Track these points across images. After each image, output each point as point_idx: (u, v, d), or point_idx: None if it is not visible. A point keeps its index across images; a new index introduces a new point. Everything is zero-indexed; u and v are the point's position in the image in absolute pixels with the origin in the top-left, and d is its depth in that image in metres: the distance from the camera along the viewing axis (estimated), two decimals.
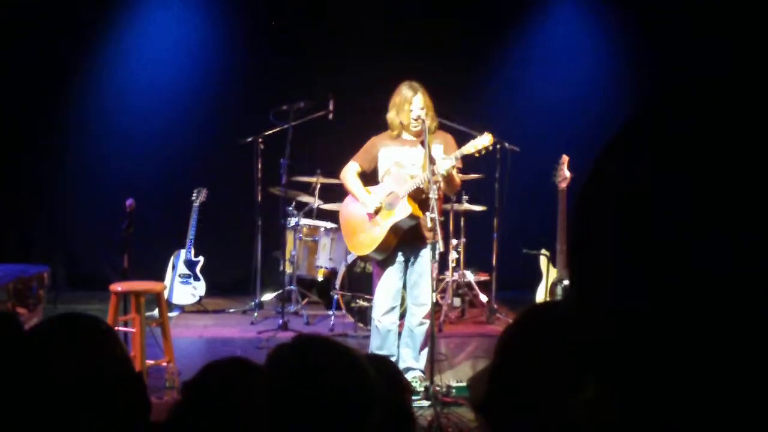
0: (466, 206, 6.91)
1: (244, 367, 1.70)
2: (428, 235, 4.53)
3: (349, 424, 1.43)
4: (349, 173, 4.81)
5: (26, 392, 1.43)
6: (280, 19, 7.66)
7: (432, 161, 4.42)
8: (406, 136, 4.68)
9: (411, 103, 4.56)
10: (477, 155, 4.46)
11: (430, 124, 4.52)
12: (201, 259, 7.04)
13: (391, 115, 4.66)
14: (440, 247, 4.30)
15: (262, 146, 6.61)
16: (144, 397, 1.59)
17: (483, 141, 4.42)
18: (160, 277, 6.74)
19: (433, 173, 4.36)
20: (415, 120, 4.56)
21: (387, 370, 1.88)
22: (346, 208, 4.91)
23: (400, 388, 1.90)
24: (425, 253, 4.61)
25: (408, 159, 4.65)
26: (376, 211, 4.65)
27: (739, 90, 0.52)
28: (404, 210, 4.52)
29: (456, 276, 6.98)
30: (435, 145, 4.60)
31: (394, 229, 4.56)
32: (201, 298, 6.98)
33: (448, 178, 4.46)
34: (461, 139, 4.66)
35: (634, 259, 0.51)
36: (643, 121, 0.56)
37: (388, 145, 4.71)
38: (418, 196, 4.55)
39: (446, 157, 4.43)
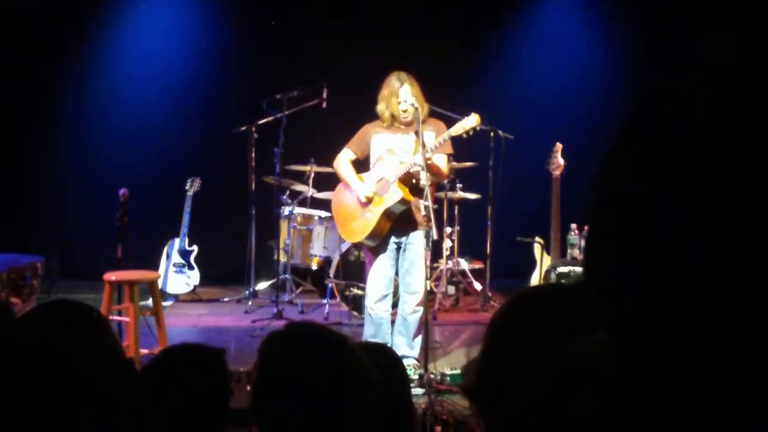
0: (460, 194, 6.91)
1: (199, 350, 1.71)
2: (421, 220, 4.54)
3: (344, 411, 1.43)
4: (342, 161, 4.82)
5: (15, 379, 1.42)
6: (273, 7, 7.62)
7: (424, 147, 4.43)
8: (398, 124, 4.69)
9: (398, 96, 4.57)
10: (465, 136, 4.48)
11: (420, 113, 4.53)
12: (195, 248, 7.03)
13: (381, 107, 4.69)
14: (434, 235, 4.31)
15: (255, 135, 6.59)
16: (135, 384, 1.59)
17: (470, 122, 4.44)
18: (154, 267, 6.73)
19: (426, 158, 4.37)
20: (404, 111, 4.57)
21: (386, 359, 1.87)
22: (338, 195, 4.92)
23: (400, 379, 1.89)
24: (417, 240, 4.62)
25: (400, 146, 4.66)
26: (369, 199, 4.66)
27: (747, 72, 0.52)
28: (395, 195, 4.53)
29: (450, 264, 6.99)
30: (427, 132, 4.60)
31: (386, 214, 4.58)
32: (195, 287, 6.98)
33: (432, 167, 4.48)
34: None
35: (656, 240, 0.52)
36: (661, 100, 0.56)
37: (381, 132, 4.72)
38: (408, 181, 4.56)
39: (435, 140, 4.48)
